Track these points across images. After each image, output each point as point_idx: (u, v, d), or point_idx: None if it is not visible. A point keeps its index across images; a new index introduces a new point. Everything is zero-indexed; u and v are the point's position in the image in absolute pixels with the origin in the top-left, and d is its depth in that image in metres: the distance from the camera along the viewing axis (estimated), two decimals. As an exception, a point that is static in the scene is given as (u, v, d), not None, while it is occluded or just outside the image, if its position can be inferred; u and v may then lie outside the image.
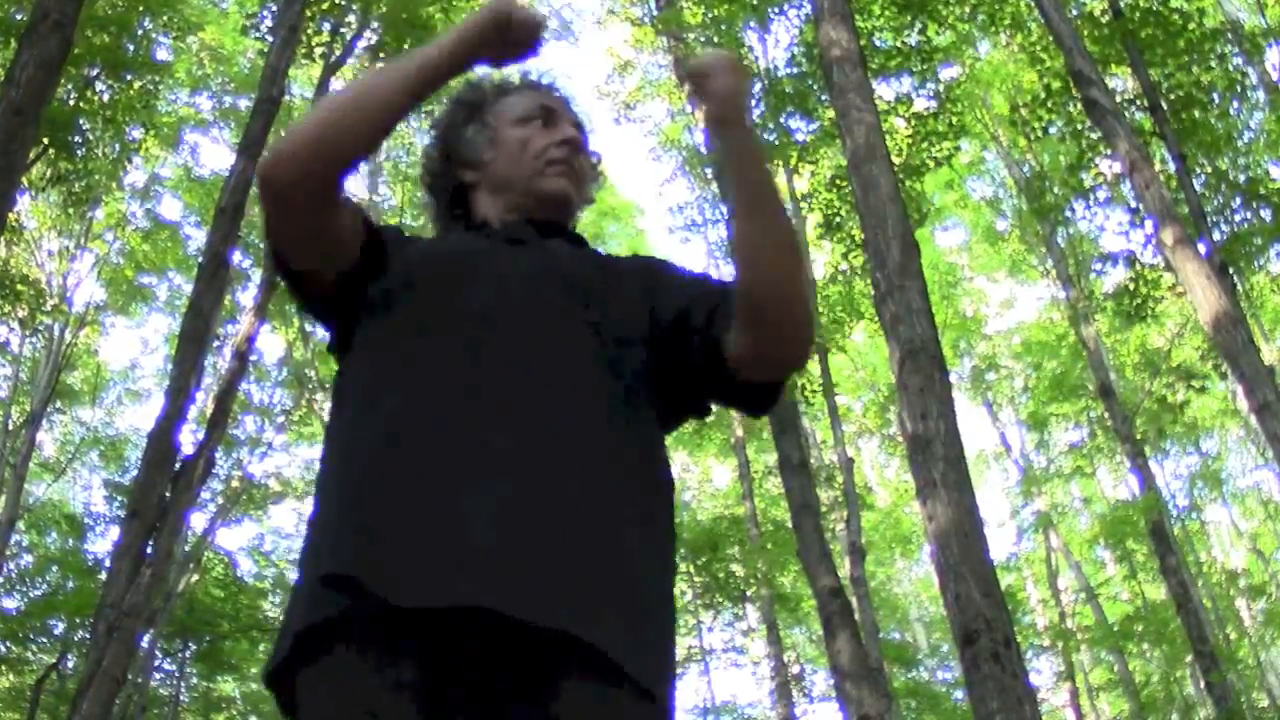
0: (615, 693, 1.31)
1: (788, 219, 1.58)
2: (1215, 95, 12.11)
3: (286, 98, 13.85)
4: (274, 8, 12.71)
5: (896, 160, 12.98)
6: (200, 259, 10.31)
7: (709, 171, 15.67)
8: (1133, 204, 12.70)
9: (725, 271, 20.99)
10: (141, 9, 13.02)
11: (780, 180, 17.12)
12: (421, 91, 1.56)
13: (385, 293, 1.60)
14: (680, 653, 22.29)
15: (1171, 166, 10.95)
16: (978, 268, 23.88)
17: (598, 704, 1.31)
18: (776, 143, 14.77)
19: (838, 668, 10.17)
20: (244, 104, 17.11)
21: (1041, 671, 21.77)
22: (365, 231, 1.60)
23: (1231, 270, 10.60)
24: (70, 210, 16.08)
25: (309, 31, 12.91)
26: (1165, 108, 11.21)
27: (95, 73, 12.64)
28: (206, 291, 9.34)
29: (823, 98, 13.01)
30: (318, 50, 13.51)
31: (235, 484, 18.47)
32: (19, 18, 10.65)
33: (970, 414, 24.35)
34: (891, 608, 25.97)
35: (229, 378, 10.62)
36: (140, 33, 13.20)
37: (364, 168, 20.23)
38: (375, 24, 13.84)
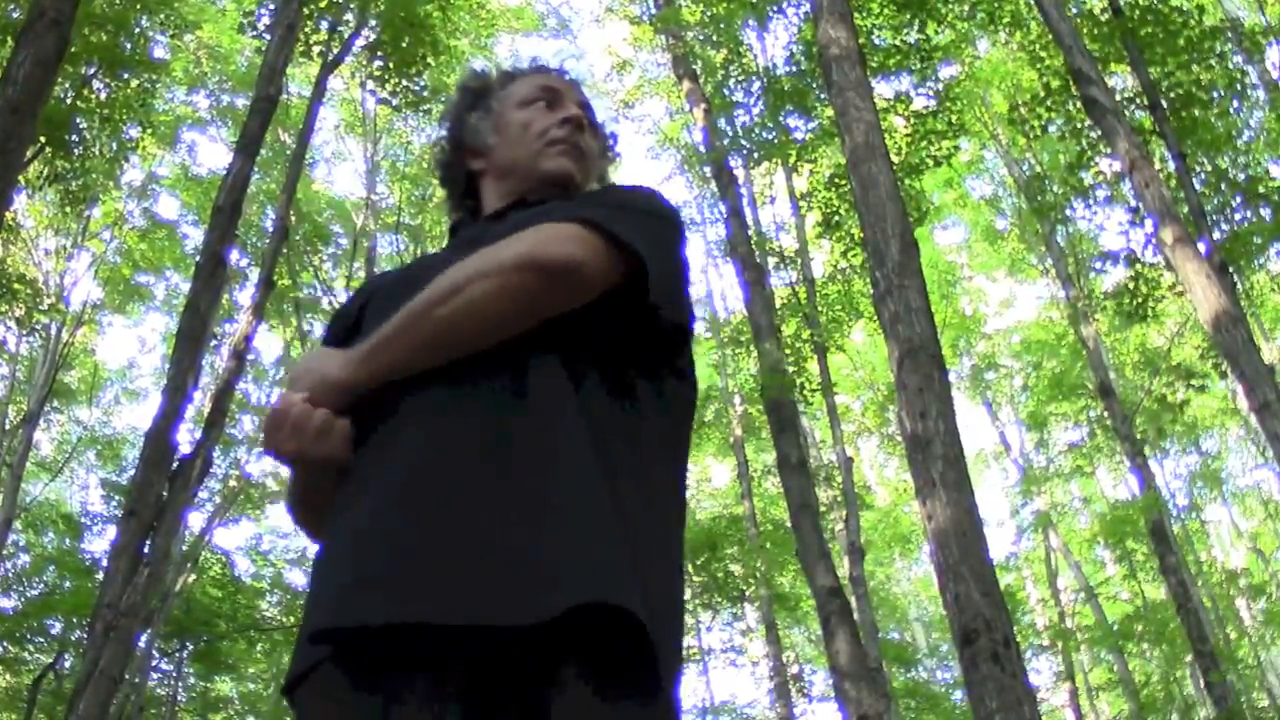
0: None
1: (440, 297, 1.45)
2: (1215, 94, 12.09)
3: (284, 96, 13.86)
4: (271, 6, 12.68)
5: (896, 159, 12.96)
6: (198, 258, 10.28)
7: (707, 170, 15.64)
8: (1132, 203, 12.68)
9: (726, 272, 21.01)
10: (139, 7, 12.99)
11: (779, 178, 17.12)
12: None
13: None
14: (679, 652, 22.24)
15: (1171, 165, 10.94)
16: (977, 267, 23.88)
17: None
18: (776, 141, 14.76)
19: (837, 667, 10.15)
20: (241, 102, 17.11)
21: (1041, 671, 21.79)
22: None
23: (1231, 269, 10.59)
24: (67, 209, 16.05)
25: (306, 29, 12.88)
26: (1165, 106, 11.20)
27: (92, 71, 12.61)
28: (204, 290, 9.31)
29: (822, 96, 12.98)
30: (315, 48, 13.49)
31: (233, 483, 18.47)
32: (15, 15, 10.62)
33: (970, 413, 24.41)
34: (890, 607, 25.98)
35: (227, 377, 10.61)
36: (137, 31, 13.17)
37: (362, 167, 20.20)
38: (373, 22, 13.82)
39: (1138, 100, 11.71)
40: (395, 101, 14.80)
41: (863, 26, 12.96)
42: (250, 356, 15.50)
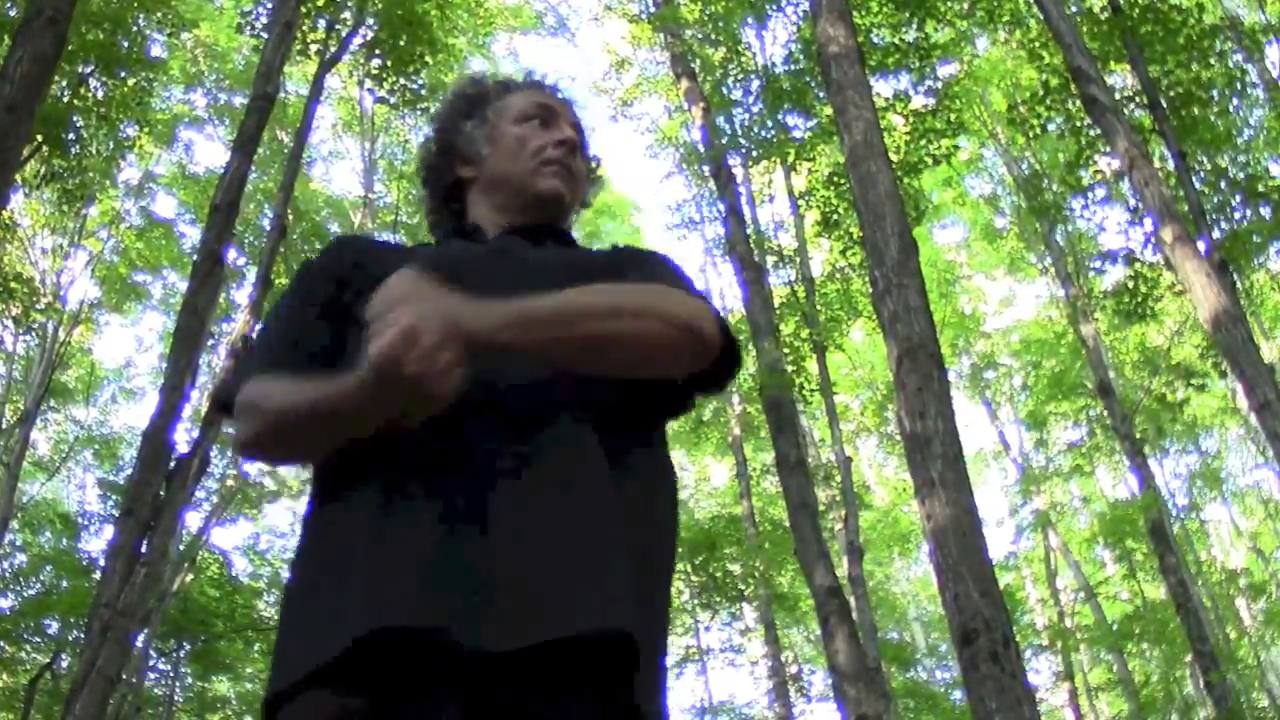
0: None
1: (611, 306, 1.48)
2: (1215, 92, 12.09)
3: (281, 94, 13.84)
4: (269, 4, 12.66)
5: (895, 157, 12.94)
6: (195, 257, 10.26)
7: (706, 168, 15.62)
8: (1132, 201, 12.68)
9: (724, 271, 20.99)
10: (136, 5, 12.97)
11: (778, 177, 17.10)
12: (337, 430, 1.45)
13: None
14: (678, 653, 22.27)
15: (1171, 164, 10.92)
16: (976, 265, 23.88)
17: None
18: (775, 140, 14.75)
19: (835, 667, 10.14)
20: (239, 101, 17.11)
21: (1040, 671, 21.75)
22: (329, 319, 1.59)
23: (1231, 268, 10.56)
24: (64, 208, 16.04)
25: (304, 28, 12.86)
26: (1165, 105, 11.18)
27: (89, 69, 12.59)
28: (201, 289, 9.29)
29: (820, 95, 12.97)
30: (313, 47, 13.46)
31: (230, 483, 18.44)
32: (12, 13, 10.59)
33: (969, 412, 24.39)
34: (890, 607, 25.96)
35: (224, 376, 10.57)
36: (135, 29, 13.14)
37: (359, 165, 20.19)
38: (371, 20, 13.80)
39: (1137, 99, 11.68)
40: (393, 100, 14.79)
41: (862, 25, 12.95)
42: (248, 356, 15.46)
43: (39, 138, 11.64)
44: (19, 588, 17.75)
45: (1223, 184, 12.09)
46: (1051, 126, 13.72)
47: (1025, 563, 24.21)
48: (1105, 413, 17.17)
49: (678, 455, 24.58)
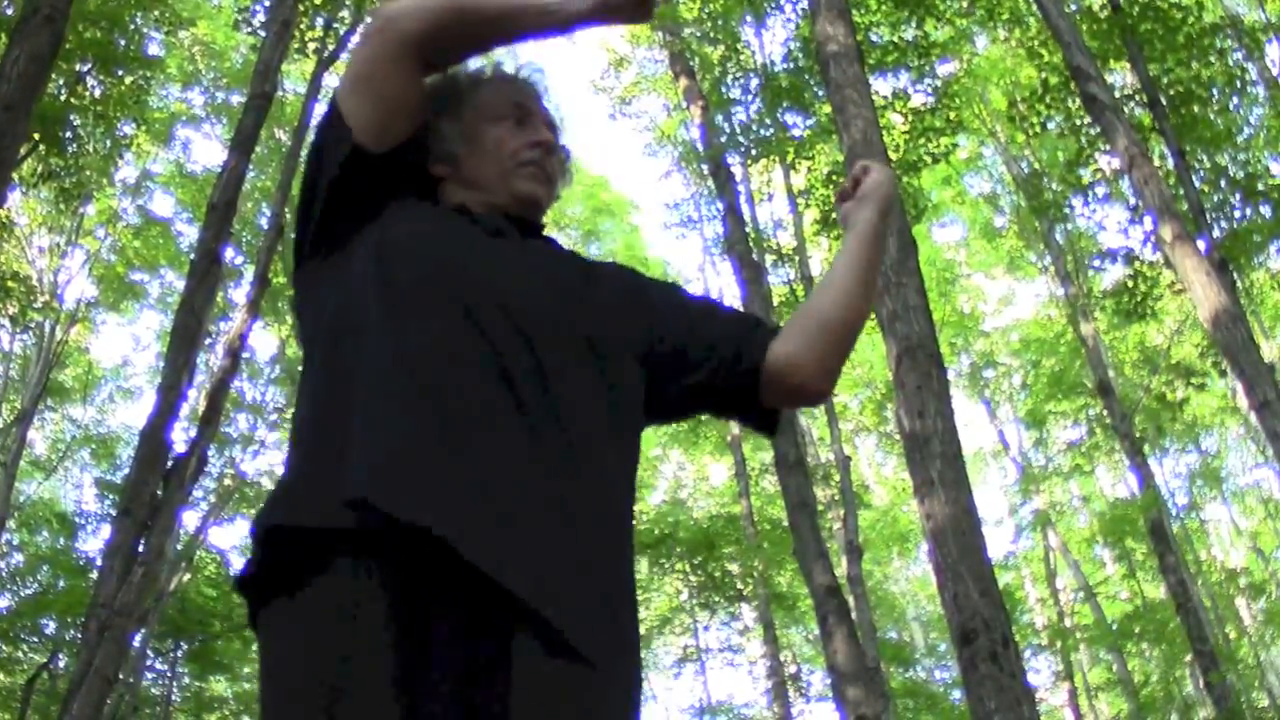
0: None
1: (874, 285, 1.81)
2: (1214, 90, 12.09)
3: (279, 93, 13.81)
4: (266, 3, 12.63)
5: (894, 156, 12.93)
6: (192, 255, 10.25)
7: (705, 167, 15.61)
8: (1131, 200, 12.67)
9: (723, 270, 20.97)
10: (133, 4, 12.94)
11: (777, 176, 17.09)
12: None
13: (392, 244, 1.62)
14: (677, 652, 22.28)
15: (1170, 162, 10.92)
16: (975, 264, 23.85)
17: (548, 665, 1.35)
18: (773, 138, 14.73)
19: (834, 667, 10.11)
20: (236, 99, 17.08)
21: (1040, 671, 21.72)
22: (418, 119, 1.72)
23: (1231, 267, 10.56)
24: (61, 206, 16.01)
25: (302, 27, 12.84)
26: (1164, 103, 11.18)
27: (86, 68, 12.57)
28: (199, 288, 9.28)
29: (819, 93, 12.96)
30: (310, 45, 13.44)
31: (228, 482, 18.43)
32: (9, 11, 10.57)
33: (968, 411, 24.37)
34: (889, 607, 25.95)
35: (221, 375, 10.57)
36: (132, 27, 13.12)
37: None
38: (368, 19, 13.75)
39: (1137, 97, 11.68)
40: (391, 99, 14.74)
41: (861, 23, 12.93)
42: (245, 354, 15.45)
43: (36, 136, 11.62)
44: (16, 587, 17.73)
45: (1222, 182, 12.09)
46: (1051, 125, 13.71)
47: (1025, 562, 24.20)
48: (1105, 412, 17.16)
49: (676, 454, 24.57)
